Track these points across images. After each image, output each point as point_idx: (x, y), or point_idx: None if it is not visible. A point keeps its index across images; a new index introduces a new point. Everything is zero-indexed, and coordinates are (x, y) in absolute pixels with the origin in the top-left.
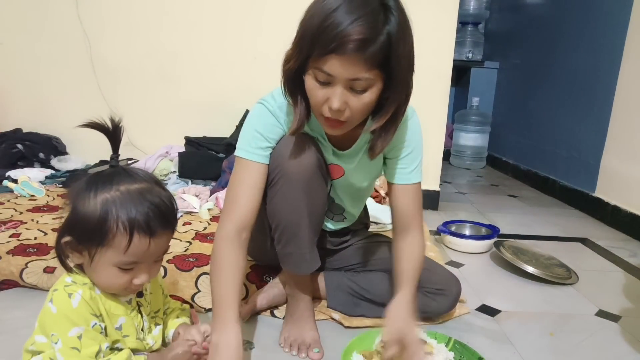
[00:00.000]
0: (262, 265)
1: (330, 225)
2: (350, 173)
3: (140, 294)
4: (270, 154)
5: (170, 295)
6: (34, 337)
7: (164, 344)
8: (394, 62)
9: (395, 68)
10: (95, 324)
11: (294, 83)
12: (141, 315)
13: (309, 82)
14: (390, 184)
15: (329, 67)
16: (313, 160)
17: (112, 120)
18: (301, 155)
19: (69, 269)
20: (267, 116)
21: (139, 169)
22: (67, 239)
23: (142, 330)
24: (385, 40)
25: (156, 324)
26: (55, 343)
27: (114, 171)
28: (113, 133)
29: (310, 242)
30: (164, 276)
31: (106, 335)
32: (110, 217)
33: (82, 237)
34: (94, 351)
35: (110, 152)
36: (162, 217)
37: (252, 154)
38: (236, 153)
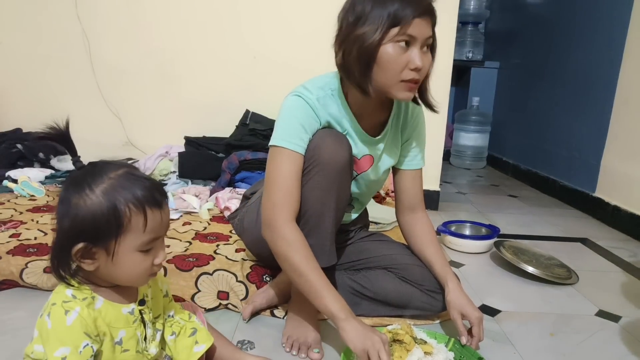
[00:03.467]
0: (262, 265)
1: None
2: (378, 161)
3: (142, 302)
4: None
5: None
6: (33, 345)
7: (163, 347)
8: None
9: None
10: (87, 344)
11: (367, 61)
12: (144, 324)
13: (389, 50)
14: (402, 171)
15: (415, 29)
16: (346, 154)
17: (57, 127)
18: (336, 148)
19: (70, 283)
20: (307, 109)
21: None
22: (78, 246)
23: (144, 339)
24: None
25: (156, 330)
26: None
27: (94, 166)
28: (63, 138)
29: (331, 235)
30: (164, 275)
31: (94, 357)
32: (119, 203)
33: (96, 236)
34: None
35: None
36: (159, 188)
37: (295, 144)
38: (277, 143)
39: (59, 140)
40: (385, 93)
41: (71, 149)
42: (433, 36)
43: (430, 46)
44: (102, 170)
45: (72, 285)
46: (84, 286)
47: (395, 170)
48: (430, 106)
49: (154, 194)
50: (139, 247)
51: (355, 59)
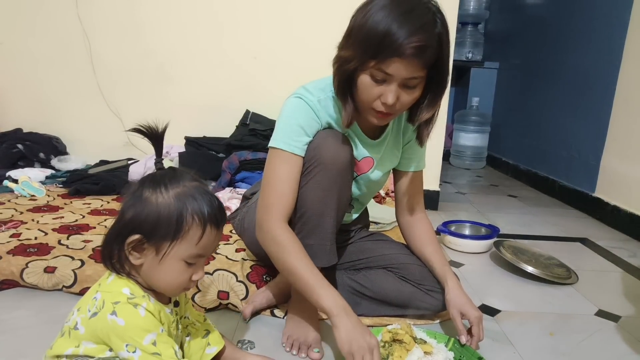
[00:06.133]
0: (262, 265)
1: None
2: (378, 163)
3: (177, 304)
4: (307, 147)
5: None
6: (80, 341)
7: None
8: (442, 60)
9: (443, 65)
10: (163, 330)
11: (346, 82)
12: (177, 324)
13: (365, 80)
14: (402, 173)
15: (391, 68)
16: (348, 155)
17: (154, 128)
18: (337, 148)
19: (126, 273)
20: (308, 111)
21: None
22: (134, 237)
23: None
24: (437, 44)
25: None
26: (134, 352)
27: (174, 170)
28: (156, 138)
29: (332, 235)
30: None
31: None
32: (186, 210)
33: (153, 233)
34: (172, 353)
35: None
36: (222, 210)
37: (294, 147)
38: (275, 145)
39: (150, 138)
40: (361, 112)
41: (159, 150)
42: (437, 70)
43: (430, 82)
44: (180, 177)
45: (119, 274)
46: (131, 280)
47: (395, 171)
48: (421, 139)
49: (217, 214)
50: (186, 257)
51: (334, 74)
